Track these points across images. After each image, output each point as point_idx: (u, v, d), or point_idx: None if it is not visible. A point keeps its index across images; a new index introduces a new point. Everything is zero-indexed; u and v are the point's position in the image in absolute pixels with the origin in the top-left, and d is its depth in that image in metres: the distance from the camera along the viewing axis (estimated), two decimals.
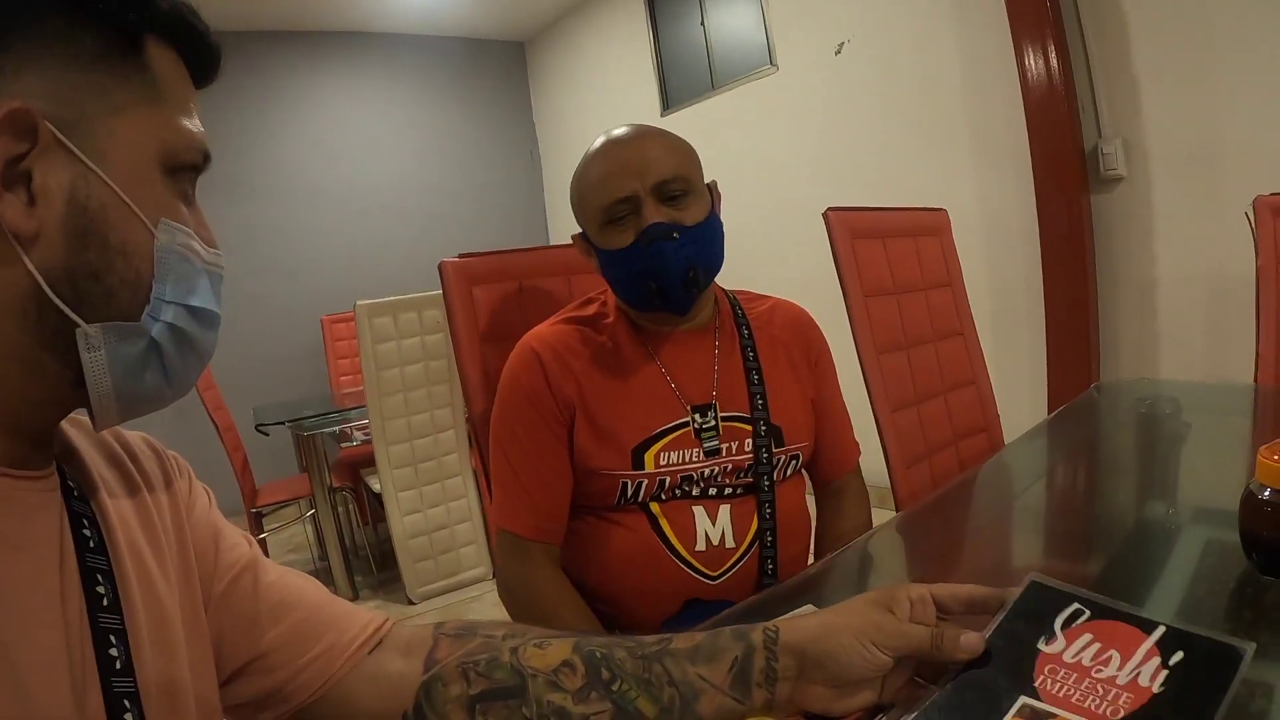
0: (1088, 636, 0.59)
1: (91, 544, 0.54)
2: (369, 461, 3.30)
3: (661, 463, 1.13)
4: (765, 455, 1.16)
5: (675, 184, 1.10)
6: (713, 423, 1.15)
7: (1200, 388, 2.08)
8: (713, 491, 1.15)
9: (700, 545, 1.13)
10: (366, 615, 0.70)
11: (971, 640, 0.60)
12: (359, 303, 2.70)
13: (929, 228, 1.84)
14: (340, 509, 3.63)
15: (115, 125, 0.50)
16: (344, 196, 5.31)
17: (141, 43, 0.52)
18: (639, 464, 1.12)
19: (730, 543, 1.14)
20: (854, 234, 1.63)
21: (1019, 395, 3.03)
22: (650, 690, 0.63)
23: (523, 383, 1.14)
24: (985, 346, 3.12)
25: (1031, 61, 2.73)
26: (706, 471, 1.14)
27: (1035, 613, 0.63)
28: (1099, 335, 2.81)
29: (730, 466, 1.15)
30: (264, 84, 5.10)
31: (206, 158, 0.57)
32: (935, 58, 3.26)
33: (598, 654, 0.65)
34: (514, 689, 0.64)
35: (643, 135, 1.13)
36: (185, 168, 0.55)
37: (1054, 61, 2.66)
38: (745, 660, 0.63)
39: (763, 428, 1.16)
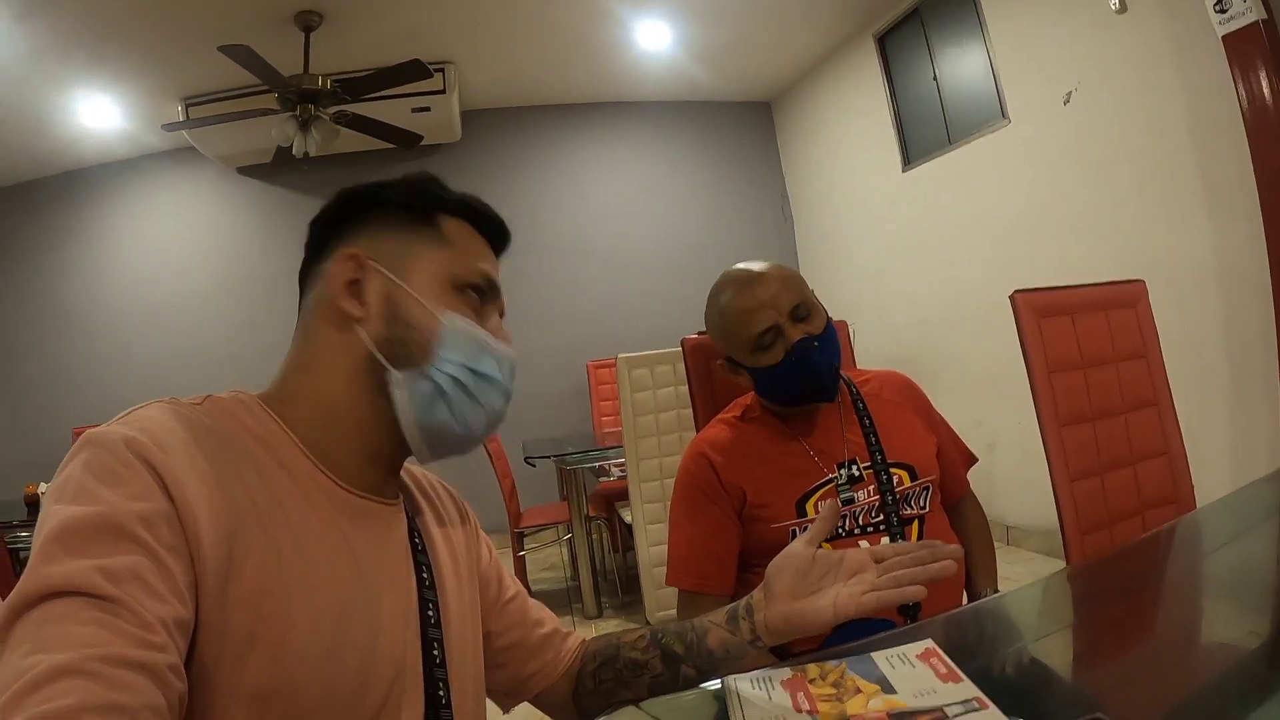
0: None
1: (420, 547, 0.85)
2: (623, 495, 3.58)
3: (820, 510, 1.38)
4: (890, 496, 1.40)
5: (802, 308, 1.39)
6: (856, 473, 1.41)
7: None
8: (870, 529, 1.40)
9: None
10: (567, 640, 1.04)
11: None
12: (620, 356, 3.03)
13: (1123, 300, 1.88)
14: (594, 536, 4.01)
15: (414, 259, 0.82)
16: (607, 253, 5.86)
17: (434, 217, 0.85)
18: (802, 513, 1.40)
19: None
20: (1040, 313, 1.74)
21: (1261, 453, 2.87)
22: (681, 637, 0.95)
23: (698, 478, 1.46)
24: (1224, 404, 2.97)
25: (1250, 98, 2.59)
26: (851, 515, 1.39)
27: None
28: None
29: (875, 505, 1.40)
30: (537, 153, 5.85)
31: (489, 283, 0.86)
32: (1160, 102, 3.13)
33: (659, 629, 0.98)
34: (611, 656, 0.98)
35: (766, 273, 1.42)
36: (468, 286, 0.83)
37: (1274, 95, 2.51)
38: (734, 606, 0.95)
39: (883, 475, 1.42)
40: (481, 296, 0.86)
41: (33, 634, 0.53)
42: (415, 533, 0.86)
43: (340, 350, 0.80)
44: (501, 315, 0.89)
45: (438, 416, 0.80)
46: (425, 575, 0.83)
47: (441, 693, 0.79)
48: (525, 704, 1.04)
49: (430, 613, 0.81)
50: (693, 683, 0.93)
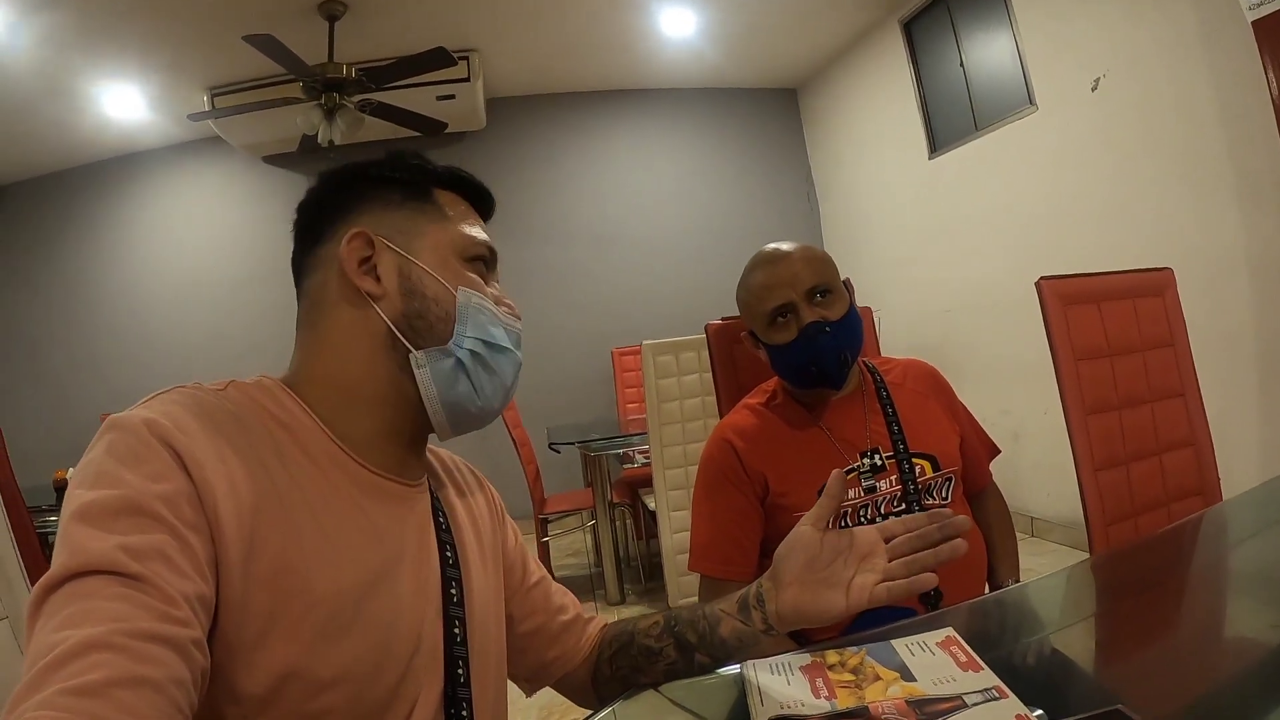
0: None
1: (444, 526, 0.86)
2: (647, 481, 3.56)
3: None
4: (912, 486, 1.40)
5: (820, 290, 1.39)
6: (879, 462, 1.40)
7: None
8: (892, 518, 1.38)
9: None
10: (589, 625, 1.05)
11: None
12: (645, 342, 3.03)
13: (1150, 288, 1.86)
14: (618, 522, 4.02)
15: (419, 234, 0.83)
16: (633, 240, 5.85)
17: (430, 191, 0.86)
18: None
19: None
20: (1066, 300, 1.72)
21: None
22: (694, 626, 0.94)
23: (721, 464, 1.47)
24: (1252, 395, 2.94)
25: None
26: (873, 504, 1.39)
27: None
28: None
29: (897, 495, 1.40)
30: (561, 140, 5.85)
31: (491, 252, 0.88)
32: (1189, 89, 3.07)
33: (673, 615, 0.97)
34: (626, 643, 0.98)
35: (792, 253, 1.42)
36: (475, 258, 0.85)
37: None
38: (744, 594, 0.94)
39: (905, 465, 1.41)
40: (486, 266, 0.88)
41: (61, 610, 0.54)
42: (440, 512, 0.87)
43: (356, 329, 0.80)
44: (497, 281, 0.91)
45: (460, 392, 0.82)
46: (449, 554, 0.84)
47: (460, 671, 0.80)
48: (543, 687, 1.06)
49: (453, 591, 0.82)
50: (708, 669, 0.94)
